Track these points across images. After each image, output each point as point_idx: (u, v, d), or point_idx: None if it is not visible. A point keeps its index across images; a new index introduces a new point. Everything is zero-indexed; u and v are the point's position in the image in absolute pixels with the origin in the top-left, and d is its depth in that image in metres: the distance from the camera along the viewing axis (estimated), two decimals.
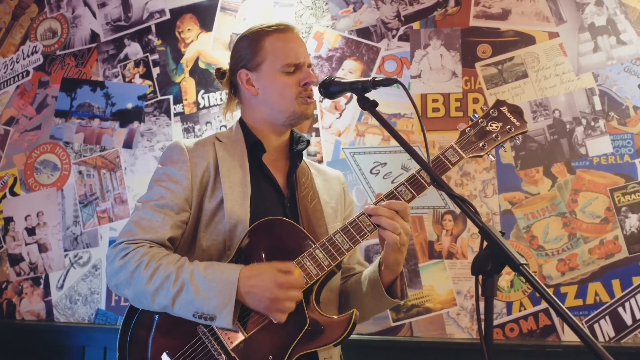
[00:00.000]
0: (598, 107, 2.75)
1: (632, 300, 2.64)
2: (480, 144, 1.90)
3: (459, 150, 1.89)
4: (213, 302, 1.70)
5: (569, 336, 2.67)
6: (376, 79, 1.80)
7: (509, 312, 2.73)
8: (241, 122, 2.10)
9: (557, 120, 2.77)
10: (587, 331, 1.26)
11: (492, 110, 1.96)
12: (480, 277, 1.46)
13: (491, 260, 1.43)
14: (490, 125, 1.94)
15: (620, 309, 2.65)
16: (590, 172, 2.73)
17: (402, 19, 2.95)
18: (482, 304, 1.43)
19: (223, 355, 1.76)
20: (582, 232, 2.71)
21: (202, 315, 1.72)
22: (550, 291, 2.62)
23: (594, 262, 2.68)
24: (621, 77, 2.75)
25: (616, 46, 2.76)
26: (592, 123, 2.75)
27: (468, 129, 1.93)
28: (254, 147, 2.01)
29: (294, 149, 2.08)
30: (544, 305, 2.70)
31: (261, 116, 2.04)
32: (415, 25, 2.94)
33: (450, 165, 1.88)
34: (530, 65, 2.82)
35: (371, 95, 2.72)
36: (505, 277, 2.74)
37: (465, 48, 2.88)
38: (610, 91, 2.75)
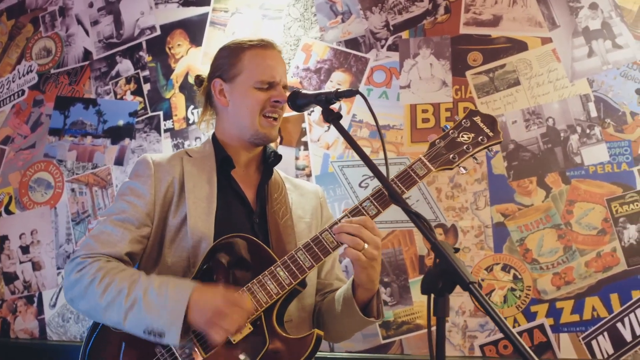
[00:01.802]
0: (593, 113, 2.64)
1: (632, 315, 2.52)
2: (450, 156, 1.83)
3: (427, 162, 1.82)
4: (163, 319, 1.66)
5: (565, 353, 2.55)
6: (339, 91, 1.76)
7: None
8: (213, 137, 2.07)
9: (551, 129, 2.67)
10: (535, 358, 1.18)
11: (464, 120, 1.88)
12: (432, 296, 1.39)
13: (442, 279, 1.36)
14: (462, 136, 1.86)
15: (619, 325, 2.53)
16: (586, 182, 2.62)
17: (391, 28, 2.89)
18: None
19: None
20: (578, 245, 2.59)
21: (151, 331, 1.67)
22: (545, 306, 2.55)
23: (591, 276, 2.57)
24: (617, 82, 2.64)
25: (612, 50, 2.66)
26: (588, 130, 2.64)
27: (438, 140, 1.86)
28: (224, 162, 1.98)
29: (266, 163, 2.04)
30: (539, 321, 2.59)
31: (230, 130, 2.01)
32: (405, 34, 2.88)
33: (417, 179, 1.80)
34: (522, 72, 2.73)
35: (362, 105, 2.65)
36: (499, 292, 2.64)
37: (455, 56, 2.80)
38: (606, 97, 2.64)
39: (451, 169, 1.83)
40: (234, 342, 1.72)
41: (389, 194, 1.64)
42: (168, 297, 1.67)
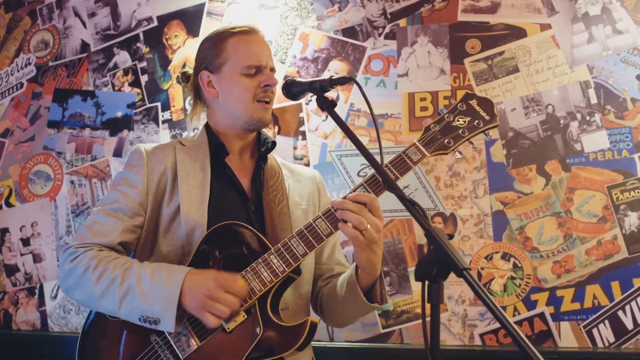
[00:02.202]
0: (594, 100, 2.61)
1: (633, 303, 2.49)
2: (445, 141, 1.81)
3: (421, 147, 1.80)
4: (157, 305, 1.66)
5: (565, 342, 2.53)
6: (333, 78, 1.75)
7: None
8: (206, 126, 2.06)
9: (551, 116, 2.65)
10: (532, 347, 1.16)
11: (460, 104, 1.86)
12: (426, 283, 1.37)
13: (436, 265, 1.34)
14: (457, 120, 1.84)
15: (620, 313, 2.50)
16: (587, 169, 2.59)
17: (389, 16, 2.87)
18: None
19: None
20: (579, 233, 2.57)
21: (147, 318, 1.68)
22: (545, 295, 2.53)
23: (591, 264, 2.54)
24: (618, 68, 2.61)
25: (612, 36, 2.63)
26: (588, 117, 2.61)
27: (433, 124, 1.84)
28: (217, 149, 1.97)
29: (260, 151, 2.02)
30: (539, 310, 2.57)
31: (223, 119, 2.00)
32: (402, 22, 2.85)
33: (411, 164, 1.79)
34: (521, 59, 2.70)
35: (359, 95, 2.64)
36: (499, 280, 2.62)
37: (453, 44, 2.78)
38: (606, 83, 2.61)
39: (446, 153, 1.81)
40: (228, 330, 1.72)
41: (382, 180, 1.62)
42: (161, 283, 1.67)
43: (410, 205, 1.43)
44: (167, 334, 1.74)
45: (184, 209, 1.85)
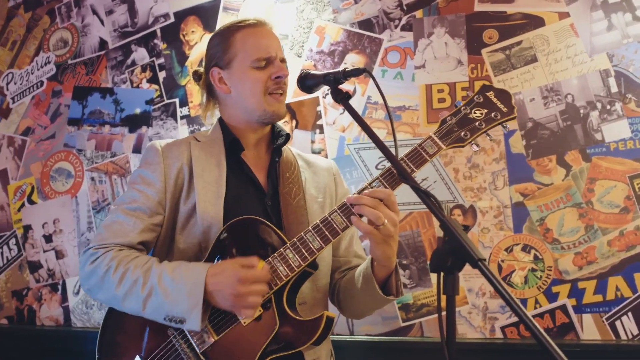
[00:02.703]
0: (614, 89, 2.57)
1: None
2: (462, 133, 1.79)
3: (438, 140, 1.78)
4: (182, 305, 1.67)
5: (588, 335, 2.50)
6: (346, 70, 1.75)
7: None
8: (220, 121, 2.06)
9: (570, 105, 2.61)
10: (547, 337, 1.15)
11: (477, 96, 1.84)
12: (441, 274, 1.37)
13: (451, 256, 1.33)
14: (474, 113, 1.82)
15: None
16: (607, 159, 2.56)
17: (405, 8, 2.85)
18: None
19: (192, 358, 1.72)
20: (600, 223, 2.54)
21: (172, 318, 1.69)
22: (567, 287, 2.50)
23: (613, 255, 2.51)
24: (638, 56, 2.56)
25: (632, 23, 2.58)
26: (608, 106, 2.57)
27: (449, 117, 1.83)
28: (232, 144, 1.97)
29: (274, 144, 2.02)
30: (561, 302, 2.54)
31: (236, 114, 2.00)
32: (418, 13, 2.83)
33: (427, 157, 1.77)
34: (539, 48, 2.67)
35: (373, 87, 2.63)
36: (519, 273, 2.60)
37: (470, 34, 2.75)
38: (626, 72, 2.57)
39: (463, 146, 1.79)
40: (244, 324, 1.72)
41: (397, 172, 1.62)
42: (183, 282, 1.67)
43: (425, 196, 1.43)
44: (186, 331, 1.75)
45: (200, 205, 1.85)
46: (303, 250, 1.73)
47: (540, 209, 2.60)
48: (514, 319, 2.59)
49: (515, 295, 2.59)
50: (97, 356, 1.88)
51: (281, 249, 1.74)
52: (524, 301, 2.57)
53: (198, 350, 1.73)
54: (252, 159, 2.00)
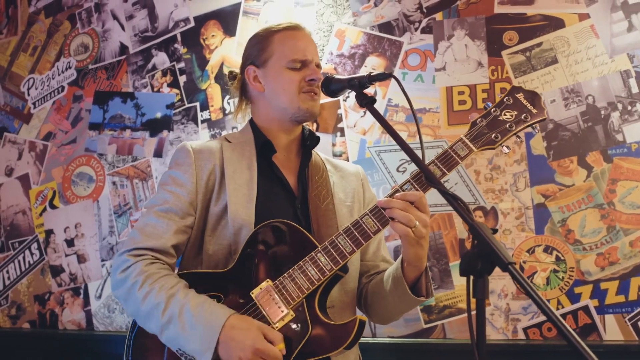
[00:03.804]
0: (635, 89, 2.58)
1: None
2: (493, 135, 1.80)
3: (469, 142, 1.79)
4: (195, 344, 1.65)
5: (611, 335, 2.51)
6: (372, 75, 1.76)
7: None
8: (251, 122, 2.07)
9: (591, 107, 2.62)
10: (579, 339, 1.17)
11: (507, 97, 1.85)
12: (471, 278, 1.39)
13: (481, 260, 1.35)
14: (504, 114, 1.83)
15: None
16: (629, 160, 2.56)
17: (424, 10, 2.87)
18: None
19: None
20: (622, 224, 2.55)
21: (183, 353, 1.68)
22: (589, 287, 2.51)
23: (636, 256, 2.52)
24: None
25: None
26: (629, 107, 2.58)
27: (479, 119, 1.83)
28: (264, 147, 1.98)
29: (305, 147, 2.04)
30: (583, 303, 2.55)
31: (269, 114, 2.01)
32: (438, 16, 2.85)
33: (458, 160, 1.78)
34: (560, 50, 2.68)
35: (398, 89, 2.64)
36: (541, 274, 2.61)
37: (490, 36, 2.77)
38: None
39: (494, 148, 1.80)
40: (276, 329, 1.72)
41: (425, 176, 1.63)
42: (203, 321, 1.66)
43: (452, 200, 1.44)
44: None
45: (232, 207, 1.86)
46: (335, 254, 1.74)
47: (562, 210, 2.61)
48: (536, 320, 2.60)
49: None
50: None
51: (312, 253, 1.75)
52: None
53: None
54: (283, 162, 2.01)
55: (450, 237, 2.73)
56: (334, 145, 2.91)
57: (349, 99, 2.90)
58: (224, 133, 3.09)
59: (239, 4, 3.15)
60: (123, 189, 3.25)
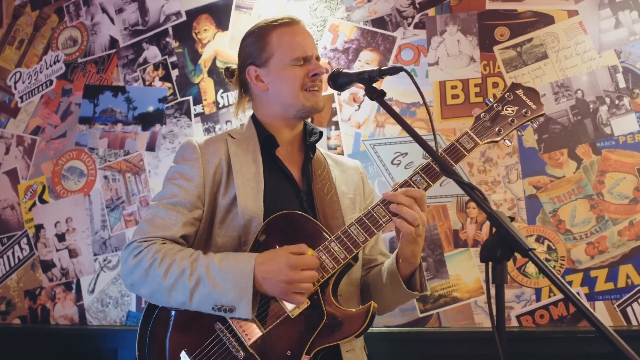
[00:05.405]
0: (622, 84, 2.67)
1: None
2: (496, 129, 1.88)
3: (474, 136, 1.86)
4: (231, 293, 1.71)
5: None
6: (382, 69, 1.79)
7: (538, 299, 2.68)
8: (254, 117, 2.10)
9: (580, 101, 2.71)
10: (601, 320, 1.22)
11: (507, 94, 1.93)
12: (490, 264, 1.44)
13: (500, 247, 1.40)
14: (506, 110, 1.90)
15: None
16: (617, 152, 2.66)
17: (417, 6, 2.91)
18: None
19: (241, 351, 1.77)
20: (611, 214, 2.64)
21: (221, 307, 1.72)
22: (580, 276, 2.59)
23: (624, 244, 2.61)
24: None
25: (638, 21, 2.68)
26: (617, 101, 2.67)
27: (483, 114, 1.91)
28: (267, 141, 2.01)
29: (307, 142, 2.07)
30: (574, 290, 2.62)
31: (272, 111, 2.04)
32: (431, 12, 2.90)
33: (465, 152, 1.85)
34: (550, 45, 2.76)
35: (391, 84, 2.69)
36: None
37: (482, 32, 2.83)
38: (634, 67, 2.67)
39: (497, 142, 1.87)
40: (292, 316, 1.77)
41: (440, 167, 1.68)
42: (232, 271, 1.72)
43: (469, 189, 1.49)
44: (231, 322, 1.79)
45: (241, 200, 1.89)
46: (348, 243, 1.79)
47: (553, 201, 2.69)
48: (529, 307, 2.68)
49: (530, 284, 2.68)
50: (136, 352, 1.90)
51: (326, 242, 1.80)
52: (539, 290, 2.67)
53: (246, 344, 1.77)
54: (286, 156, 2.04)
55: (445, 228, 2.79)
56: (328, 138, 2.94)
57: (343, 93, 2.93)
58: (217, 127, 3.10)
59: None
60: (115, 183, 3.24)
